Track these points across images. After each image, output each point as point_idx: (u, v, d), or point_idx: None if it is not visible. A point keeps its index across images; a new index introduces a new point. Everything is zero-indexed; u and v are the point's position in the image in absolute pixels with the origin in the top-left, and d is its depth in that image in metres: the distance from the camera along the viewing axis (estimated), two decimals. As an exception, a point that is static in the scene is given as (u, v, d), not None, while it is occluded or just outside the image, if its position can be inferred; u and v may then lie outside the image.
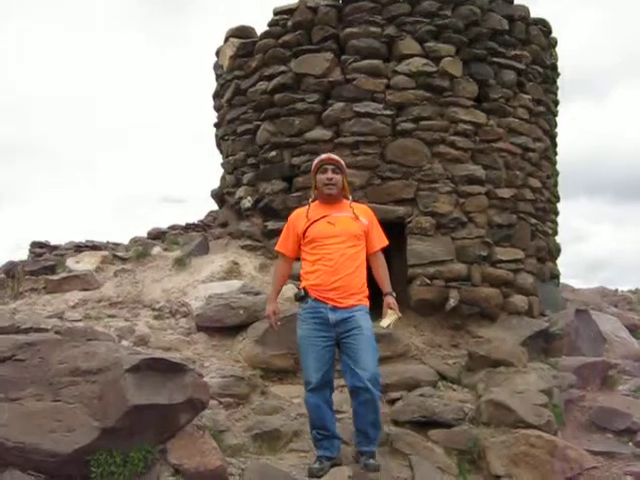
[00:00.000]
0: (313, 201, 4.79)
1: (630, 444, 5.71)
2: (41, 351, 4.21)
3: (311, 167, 7.53)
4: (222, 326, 6.46)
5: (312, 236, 4.59)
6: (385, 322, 4.56)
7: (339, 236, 4.52)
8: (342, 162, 4.79)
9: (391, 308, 4.57)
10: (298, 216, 4.78)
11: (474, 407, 5.62)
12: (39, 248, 13.00)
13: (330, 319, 4.42)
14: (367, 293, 4.60)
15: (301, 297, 4.56)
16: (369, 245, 4.67)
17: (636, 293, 15.97)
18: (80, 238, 13.11)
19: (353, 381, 4.36)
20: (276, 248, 5.00)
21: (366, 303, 4.56)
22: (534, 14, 8.38)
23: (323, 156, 4.85)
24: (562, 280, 9.49)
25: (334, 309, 4.43)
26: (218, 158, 9.41)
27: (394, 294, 4.67)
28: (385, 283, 4.67)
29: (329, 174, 4.66)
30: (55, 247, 12.96)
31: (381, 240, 4.76)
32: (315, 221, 4.62)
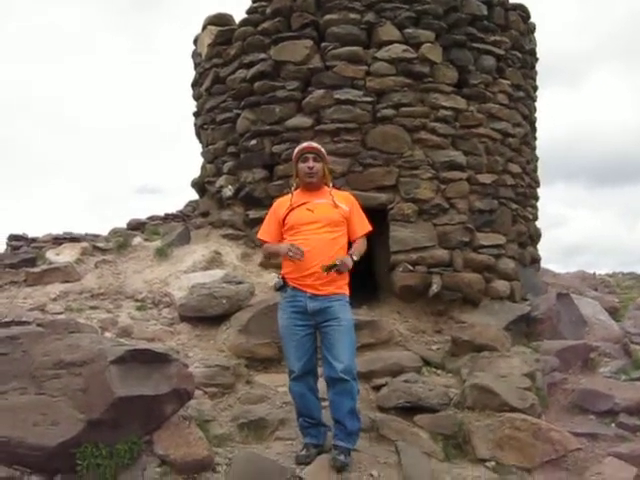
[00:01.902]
0: (296, 189, 4.76)
1: (612, 425, 5.77)
2: (24, 344, 4.18)
3: (292, 155, 7.54)
4: (205, 316, 6.44)
5: (291, 223, 4.58)
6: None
7: (317, 222, 4.50)
8: (323, 150, 4.76)
9: (342, 262, 4.39)
10: (281, 203, 4.76)
11: (459, 392, 5.65)
12: (16, 241, 12.84)
13: (308, 308, 4.41)
14: (347, 280, 4.57)
15: (280, 287, 4.55)
16: (351, 231, 4.64)
17: (613, 276, 16.18)
18: (57, 230, 12.98)
19: (328, 372, 4.39)
20: (257, 236, 4.96)
21: (346, 291, 4.54)
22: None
23: (304, 144, 4.80)
24: (541, 265, 9.54)
25: (313, 297, 4.42)
26: (195, 148, 9.35)
27: (355, 257, 4.50)
28: (355, 249, 4.57)
29: (310, 163, 4.63)
30: (33, 240, 12.80)
31: (363, 226, 4.72)
32: (294, 208, 4.61)
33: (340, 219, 4.56)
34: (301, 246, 4.41)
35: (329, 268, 4.34)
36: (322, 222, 4.51)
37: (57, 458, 3.75)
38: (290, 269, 4.50)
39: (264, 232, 4.81)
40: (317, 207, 4.57)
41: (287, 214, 4.61)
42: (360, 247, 4.64)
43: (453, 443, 5.14)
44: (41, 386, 3.95)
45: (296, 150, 4.76)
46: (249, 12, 8.19)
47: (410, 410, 5.37)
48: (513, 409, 5.25)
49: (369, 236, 4.82)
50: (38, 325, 4.91)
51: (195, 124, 9.46)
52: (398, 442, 4.88)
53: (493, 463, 4.93)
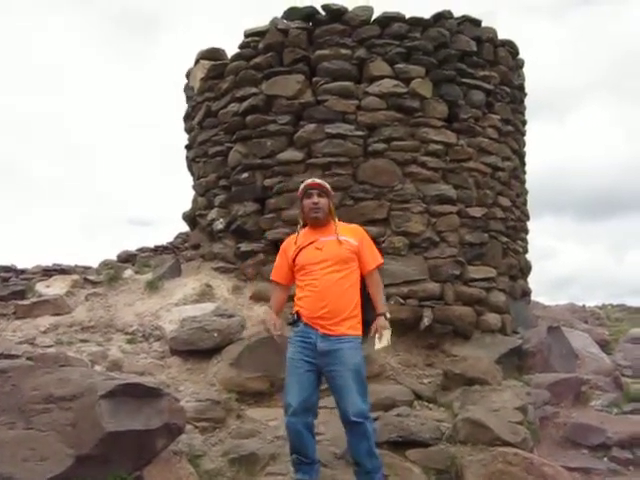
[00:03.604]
0: (302, 228, 4.74)
1: (605, 459, 5.77)
2: (13, 378, 4.14)
3: (283, 188, 7.59)
4: (196, 349, 6.40)
5: (301, 263, 4.56)
6: (377, 346, 4.53)
7: (326, 261, 4.48)
8: (327, 186, 4.72)
9: (380, 330, 4.51)
10: (289, 243, 4.75)
11: (451, 426, 5.61)
12: (5, 272, 12.81)
13: (318, 347, 4.39)
14: (360, 318, 4.51)
15: (293, 321, 4.53)
16: (362, 265, 4.60)
17: (603, 308, 16.23)
18: (46, 262, 12.94)
19: (341, 415, 4.41)
20: (271, 277, 4.95)
21: (358, 332, 4.48)
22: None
23: (308, 181, 4.76)
24: (531, 298, 9.56)
25: (324, 337, 4.39)
26: (186, 180, 9.37)
27: (388, 315, 4.61)
28: (378, 303, 4.62)
29: (314, 198, 4.60)
30: (22, 271, 12.78)
31: (375, 259, 4.68)
32: (303, 247, 4.59)
33: (349, 255, 4.53)
34: (311, 287, 4.46)
35: (382, 346, 4.53)
36: (330, 260, 4.48)
37: (46, 494, 3.70)
38: (303, 306, 4.50)
39: (275, 273, 4.84)
40: (325, 245, 4.55)
41: (296, 254, 4.60)
42: (380, 291, 4.69)
43: (446, 478, 5.11)
44: (30, 421, 3.91)
45: (300, 188, 4.75)
46: (241, 47, 8.27)
47: (402, 445, 5.32)
48: (505, 443, 5.22)
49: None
50: (28, 359, 4.90)
51: (187, 157, 9.49)
52: (390, 477, 4.84)
53: (486, 498, 4.90)
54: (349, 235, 4.62)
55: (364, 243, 4.67)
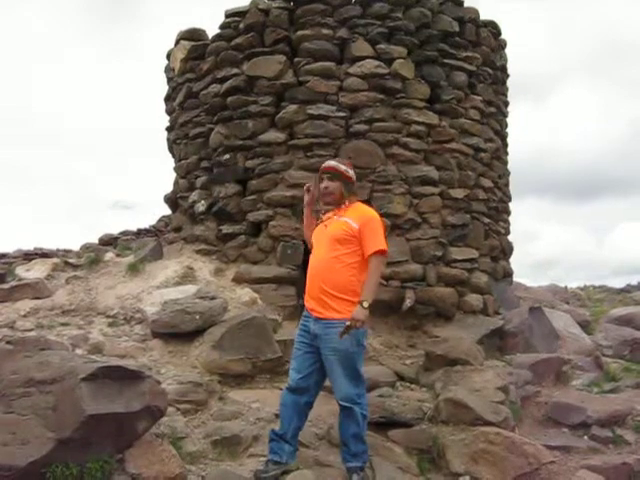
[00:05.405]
0: None
1: (585, 438, 5.81)
2: (-8, 362, 4.10)
3: (264, 170, 7.60)
4: (178, 332, 6.37)
5: (313, 238, 4.73)
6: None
7: (326, 240, 4.54)
8: (340, 167, 4.66)
9: (352, 319, 4.31)
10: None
11: (433, 406, 5.64)
12: (-15, 257, 12.66)
13: (311, 330, 4.48)
14: (354, 300, 4.38)
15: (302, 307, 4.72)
16: (363, 250, 4.49)
17: (585, 290, 16.31)
18: (28, 246, 12.83)
19: (335, 397, 4.56)
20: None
21: (349, 315, 4.36)
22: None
23: (323, 165, 4.80)
24: (513, 279, 9.60)
25: (316, 320, 4.46)
26: (169, 163, 9.30)
27: (365, 304, 4.33)
28: (364, 289, 4.40)
29: (325, 183, 4.66)
30: (3, 255, 12.65)
31: (374, 245, 4.46)
32: (319, 224, 4.74)
33: (344, 236, 4.47)
34: (311, 261, 4.64)
35: (344, 332, 4.29)
36: (329, 240, 4.52)
37: (27, 478, 3.68)
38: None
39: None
40: (331, 224, 4.59)
41: (313, 229, 4.80)
42: (369, 284, 4.42)
43: (427, 458, 5.15)
44: (10, 405, 3.88)
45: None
46: (222, 27, 8.19)
47: (384, 425, 5.36)
48: (487, 423, 5.26)
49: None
50: (7, 342, 4.86)
51: (168, 139, 9.41)
52: (372, 457, 4.86)
53: (467, 477, 4.94)
54: (353, 217, 4.55)
55: (367, 228, 4.51)
